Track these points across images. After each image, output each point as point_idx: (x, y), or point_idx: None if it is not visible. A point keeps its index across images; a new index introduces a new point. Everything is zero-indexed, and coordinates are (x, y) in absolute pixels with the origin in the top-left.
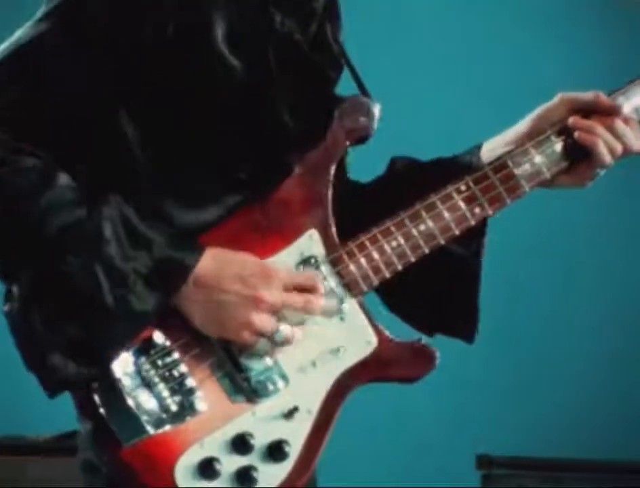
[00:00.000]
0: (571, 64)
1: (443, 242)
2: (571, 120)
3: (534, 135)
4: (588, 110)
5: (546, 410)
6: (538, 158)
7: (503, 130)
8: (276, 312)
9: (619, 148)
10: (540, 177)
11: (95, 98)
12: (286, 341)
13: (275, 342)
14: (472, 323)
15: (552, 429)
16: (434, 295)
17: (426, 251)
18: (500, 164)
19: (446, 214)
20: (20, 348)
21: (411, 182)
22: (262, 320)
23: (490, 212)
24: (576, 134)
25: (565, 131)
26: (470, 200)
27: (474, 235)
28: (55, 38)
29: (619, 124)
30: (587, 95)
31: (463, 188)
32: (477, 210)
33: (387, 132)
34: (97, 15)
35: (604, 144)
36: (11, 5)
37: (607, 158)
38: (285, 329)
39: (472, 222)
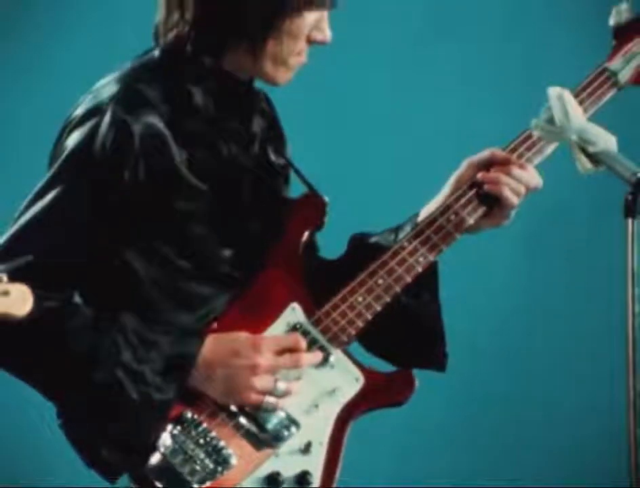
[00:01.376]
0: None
1: (399, 290)
2: (479, 175)
3: (454, 194)
4: (490, 164)
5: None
6: (462, 212)
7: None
8: (272, 372)
9: (521, 189)
10: (465, 225)
11: (102, 240)
12: (287, 393)
13: (277, 396)
14: (439, 355)
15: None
16: (401, 338)
17: (388, 299)
18: (431, 219)
19: (397, 267)
20: (79, 452)
21: (365, 253)
22: (261, 382)
23: (431, 258)
24: (485, 186)
25: (476, 185)
26: (413, 253)
27: (425, 284)
28: (65, 201)
29: (516, 170)
30: (485, 154)
31: (406, 244)
32: (421, 259)
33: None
34: (90, 175)
35: (508, 189)
36: (13, 6)
37: (514, 199)
38: (281, 384)
39: (420, 269)
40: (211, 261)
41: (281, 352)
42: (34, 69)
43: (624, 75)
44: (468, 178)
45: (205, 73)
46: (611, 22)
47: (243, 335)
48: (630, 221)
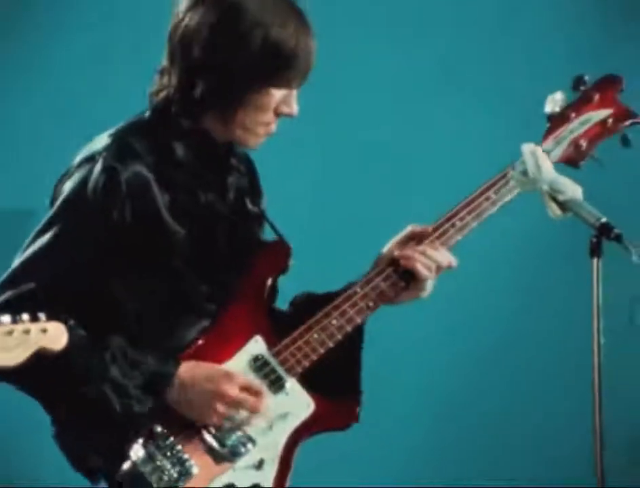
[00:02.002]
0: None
1: (350, 329)
2: (396, 253)
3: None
4: (410, 240)
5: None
6: (382, 284)
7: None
8: (234, 403)
9: (432, 265)
10: (388, 296)
11: (94, 273)
12: (244, 422)
13: (237, 423)
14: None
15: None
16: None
17: (340, 337)
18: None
19: (349, 309)
20: (67, 457)
21: (310, 306)
22: (224, 408)
23: (379, 304)
24: (401, 262)
25: (396, 262)
26: (363, 298)
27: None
28: (62, 239)
29: (427, 249)
30: (406, 232)
31: (358, 290)
32: (371, 304)
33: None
34: (84, 215)
35: (421, 265)
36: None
37: (426, 273)
38: (242, 413)
39: (370, 312)
40: (189, 294)
41: (246, 389)
42: (34, 69)
43: (555, 155)
44: (392, 254)
45: (185, 132)
46: (547, 109)
47: (218, 367)
48: (595, 261)
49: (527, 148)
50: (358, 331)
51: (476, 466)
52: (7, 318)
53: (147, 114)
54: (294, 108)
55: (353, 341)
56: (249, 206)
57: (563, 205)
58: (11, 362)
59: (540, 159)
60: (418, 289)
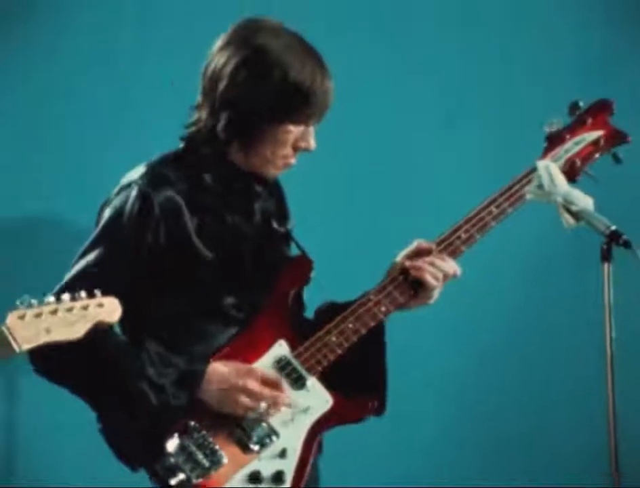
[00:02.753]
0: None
1: (364, 332)
2: (407, 264)
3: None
4: (418, 253)
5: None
6: (394, 292)
7: None
8: (257, 396)
9: (440, 275)
10: (399, 302)
11: (134, 287)
12: (266, 413)
13: (259, 413)
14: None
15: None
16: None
17: (355, 339)
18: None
19: (364, 314)
20: (111, 448)
21: (330, 312)
22: (247, 400)
23: (392, 309)
24: (411, 272)
25: (406, 272)
26: (377, 304)
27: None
28: (104, 258)
29: (435, 260)
30: (413, 247)
31: (372, 297)
32: (383, 308)
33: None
34: (121, 241)
35: (429, 275)
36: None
37: (434, 282)
38: (263, 405)
39: (382, 316)
40: (218, 306)
41: (265, 382)
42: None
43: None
44: (400, 266)
45: (212, 163)
46: (546, 130)
47: (242, 364)
48: (605, 265)
49: (542, 163)
50: (378, 336)
51: (489, 465)
52: (66, 296)
53: (180, 146)
54: (311, 144)
55: (372, 345)
56: (275, 226)
57: (575, 215)
58: (73, 336)
59: (554, 174)
60: (426, 296)
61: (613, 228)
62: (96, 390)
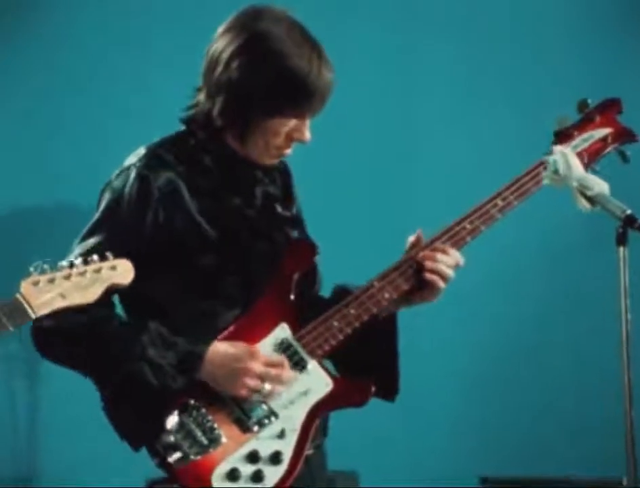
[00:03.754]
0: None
1: (366, 318)
2: (420, 255)
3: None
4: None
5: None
6: (398, 279)
7: None
8: (260, 377)
9: (448, 274)
10: (402, 289)
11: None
12: (270, 394)
13: (263, 394)
14: (391, 386)
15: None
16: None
17: (357, 325)
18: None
19: (366, 300)
20: (114, 427)
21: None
22: (251, 382)
23: (395, 296)
24: (425, 266)
25: (411, 262)
26: (380, 290)
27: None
28: (105, 240)
29: (444, 257)
30: (415, 237)
31: (375, 283)
32: (386, 295)
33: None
34: (122, 222)
35: (437, 277)
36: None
37: (441, 284)
38: (267, 386)
39: (385, 303)
40: (219, 286)
41: (269, 364)
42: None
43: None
44: (409, 256)
45: (211, 147)
46: (556, 127)
47: (242, 345)
48: (621, 248)
49: (558, 149)
50: (390, 322)
51: (507, 459)
52: (79, 260)
53: (180, 129)
54: (306, 135)
55: (383, 332)
56: (280, 210)
57: (591, 200)
58: (87, 300)
59: (570, 159)
60: (433, 294)
61: (629, 212)
62: (97, 370)
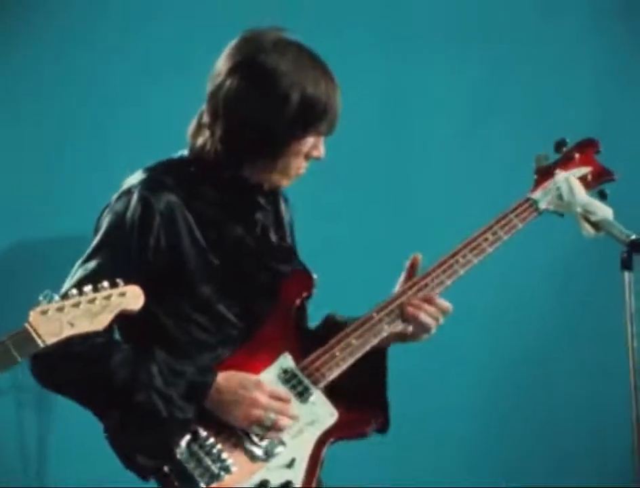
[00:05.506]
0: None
1: (367, 348)
2: (408, 303)
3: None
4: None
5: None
6: (397, 310)
7: None
8: (265, 409)
9: (438, 317)
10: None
11: None
12: (273, 427)
13: (267, 426)
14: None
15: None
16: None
17: (359, 355)
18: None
19: (366, 332)
20: (119, 457)
21: (333, 327)
22: (255, 412)
23: (391, 330)
24: (408, 310)
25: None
26: (379, 321)
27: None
28: (106, 264)
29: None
30: (408, 263)
31: (374, 314)
32: (386, 326)
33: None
34: (123, 246)
35: (425, 315)
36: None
37: (432, 324)
38: (272, 416)
39: (384, 334)
40: (220, 314)
41: (274, 396)
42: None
43: (543, 204)
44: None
45: (217, 176)
46: (535, 164)
47: (250, 376)
48: (626, 273)
49: (561, 175)
50: (382, 354)
51: (515, 465)
52: (88, 287)
53: (183, 154)
54: (322, 152)
55: (375, 362)
56: (273, 239)
57: (595, 225)
58: (97, 327)
59: (573, 185)
60: (419, 339)
61: (633, 236)
62: (100, 398)
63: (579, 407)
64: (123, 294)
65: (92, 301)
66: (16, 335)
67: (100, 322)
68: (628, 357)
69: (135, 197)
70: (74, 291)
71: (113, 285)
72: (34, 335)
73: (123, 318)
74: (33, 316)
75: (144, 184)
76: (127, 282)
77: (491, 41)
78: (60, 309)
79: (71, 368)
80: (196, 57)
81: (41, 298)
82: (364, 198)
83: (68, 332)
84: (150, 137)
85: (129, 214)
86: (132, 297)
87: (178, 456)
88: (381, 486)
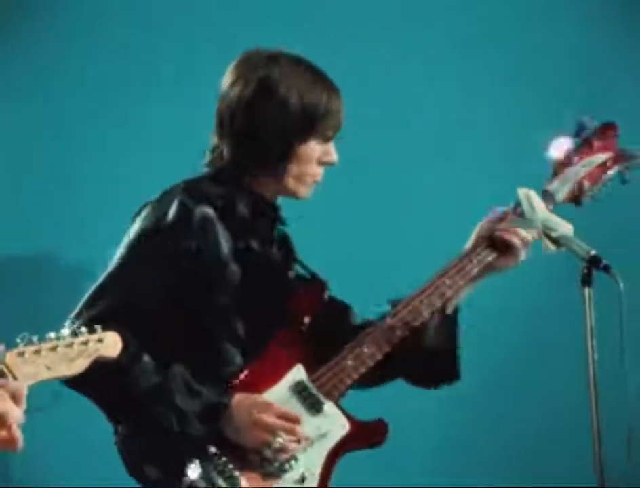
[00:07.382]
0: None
1: (381, 357)
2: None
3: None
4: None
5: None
6: (409, 317)
7: None
8: (272, 429)
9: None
10: (413, 326)
11: (162, 297)
12: (282, 449)
13: (274, 449)
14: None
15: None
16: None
17: (372, 364)
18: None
19: (380, 338)
20: (126, 464)
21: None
22: (262, 434)
23: (407, 333)
24: (498, 233)
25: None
26: (392, 328)
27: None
28: (138, 266)
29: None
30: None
31: (388, 320)
32: (399, 333)
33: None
34: (159, 246)
35: (514, 236)
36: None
37: (519, 242)
38: (280, 440)
39: (397, 341)
40: (236, 330)
41: (283, 417)
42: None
43: (561, 195)
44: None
45: (240, 192)
46: (552, 153)
47: (260, 398)
48: (586, 289)
49: (522, 191)
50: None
51: (477, 467)
52: (66, 332)
53: (209, 172)
54: (334, 156)
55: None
56: (280, 255)
57: (556, 241)
58: (73, 372)
59: (534, 201)
60: (513, 259)
61: (593, 252)
62: (116, 407)
63: (545, 418)
64: (100, 340)
65: (70, 345)
66: None
67: (77, 367)
68: (589, 375)
69: (176, 202)
70: (52, 334)
71: (91, 330)
72: (9, 376)
73: (142, 331)
74: (10, 357)
75: (186, 192)
76: (157, 281)
77: (496, 46)
78: (37, 352)
79: (102, 383)
80: (198, 70)
81: (18, 340)
82: (364, 198)
83: (44, 375)
84: (151, 152)
85: (168, 217)
86: (109, 344)
87: (190, 474)
88: (379, 486)
